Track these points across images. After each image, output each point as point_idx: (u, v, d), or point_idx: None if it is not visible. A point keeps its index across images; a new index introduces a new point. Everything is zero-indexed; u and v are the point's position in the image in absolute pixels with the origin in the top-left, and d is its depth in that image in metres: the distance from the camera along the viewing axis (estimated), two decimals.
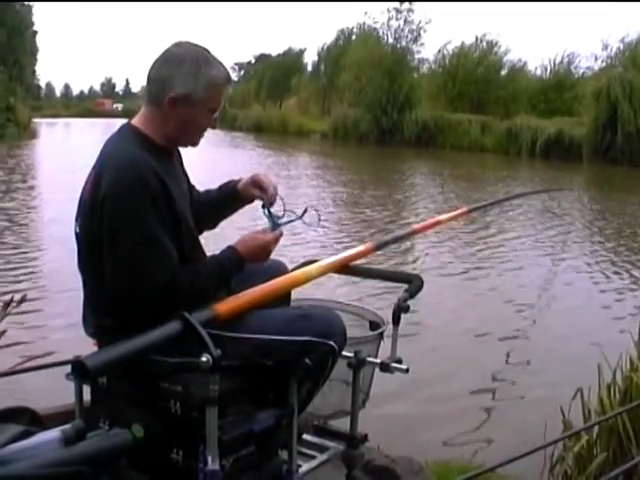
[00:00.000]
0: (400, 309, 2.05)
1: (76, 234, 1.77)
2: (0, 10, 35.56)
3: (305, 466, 1.99)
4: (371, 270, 2.54)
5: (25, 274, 6.64)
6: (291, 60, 54.69)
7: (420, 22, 34.01)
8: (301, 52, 55.91)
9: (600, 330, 5.52)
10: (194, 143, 1.84)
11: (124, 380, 1.72)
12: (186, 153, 1.92)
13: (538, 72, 35.05)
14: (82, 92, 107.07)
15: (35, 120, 38.33)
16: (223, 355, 1.53)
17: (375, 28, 35.20)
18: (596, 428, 2.80)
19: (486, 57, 34.12)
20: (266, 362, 1.79)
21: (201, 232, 1.99)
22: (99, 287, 1.70)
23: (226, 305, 1.71)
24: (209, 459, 1.60)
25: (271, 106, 48.84)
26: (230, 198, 2.03)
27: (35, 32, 41.07)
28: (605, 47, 29.04)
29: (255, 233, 1.86)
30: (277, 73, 52.91)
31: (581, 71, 32.97)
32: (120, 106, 70.65)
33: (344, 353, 1.95)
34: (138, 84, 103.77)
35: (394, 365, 2.03)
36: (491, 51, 34.54)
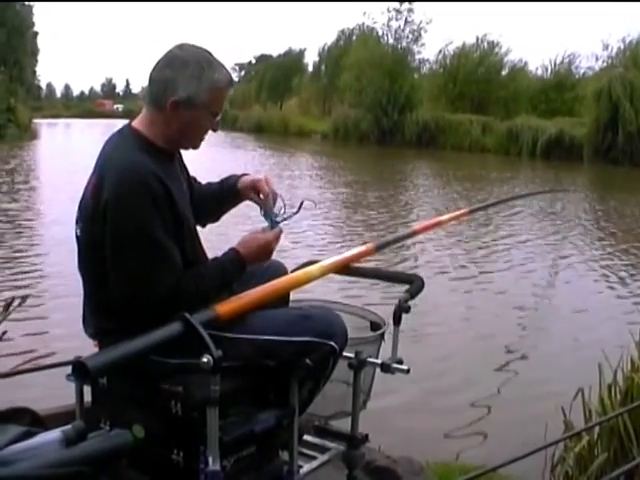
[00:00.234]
0: (401, 309, 2.05)
1: (77, 236, 1.77)
2: (0, 10, 35.57)
3: (306, 467, 1.99)
4: (372, 270, 2.54)
5: (26, 275, 6.64)
6: (292, 61, 54.72)
7: (421, 22, 34.12)
8: (302, 53, 56.06)
9: (601, 330, 5.52)
10: (195, 146, 1.84)
11: (125, 381, 1.72)
12: (188, 153, 1.92)
13: (539, 72, 35.17)
14: (82, 93, 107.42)
15: (36, 121, 38.38)
16: (224, 356, 1.53)
17: (375, 28, 35.28)
18: (597, 428, 2.80)
19: (487, 57, 34.14)
20: (267, 363, 1.79)
21: (204, 225, 2.00)
22: (99, 289, 1.71)
23: (227, 306, 1.71)
24: (210, 460, 1.60)
25: (272, 107, 48.85)
26: (230, 194, 2.03)
27: (36, 33, 41.11)
28: (606, 47, 29.13)
29: (255, 233, 1.86)
30: (278, 74, 52.98)
31: (582, 71, 33.06)
32: (121, 107, 70.64)
33: (345, 354, 1.95)
34: (138, 85, 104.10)
35: (395, 366, 2.03)
36: (492, 51, 34.56)
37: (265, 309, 1.83)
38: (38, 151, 24.57)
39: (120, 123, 1.90)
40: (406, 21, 34.13)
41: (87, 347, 1.78)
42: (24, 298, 2.49)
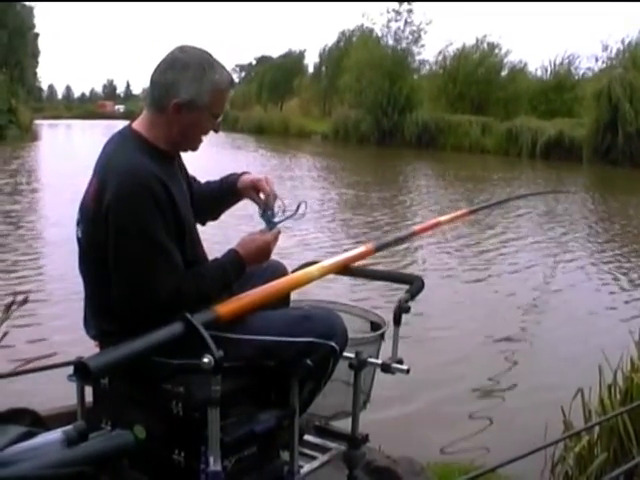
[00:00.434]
0: (401, 310, 2.06)
1: (78, 238, 1.78)
2: (1, 11, 35.62)
3: (306, 467, 1.99)
4: (372, 271, 2.54)
5: (27, 276, 6.65)
6: (292, 62, 54.70)
7: (420, 23, 34.01)
8: (302, 54, 56.03)
9: (601, 330, 5.52)
10: (194, 148, 1.84)
11: (126, 381, 1.73)
12: (188, 153, 1.92)
13: (538, 73, 35.05)
14: (83, 94, 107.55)
15: (37, 122, 38.39)
16: (225, 356, 1.53)
17: (374, 30, 35.26)
18: (597, 428, 2.80)
19: (487, 58, 34.06)
20: (267, 363, 1.80)
21: (203, 223, 2.01)
22: (100, 290, 1.71)
23: (228, 306, 1.72)
24: (211, 460, 1.60)
25: (272, 108, 48.86)
26: (230, 192, 2.03)
27: (37, 34, 41.17)
28: (605, 48, 29.02)
29: (253, 234, 1.87)
30: (278, 75, 52.95)
31: (581, 72, 32.96)
32: (122, 108, 70.67)
33: (345, 354, 1.95)
34: (139, 86, 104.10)
35: (395, 366, 2.03)
36: (492, 52, 34.47)
37: (266, 309, 1.84)
38: (39, 152, 24.56)
39: (121, 124, 1.91)
40: (406, 22, 34.09)
41: (89, 349, 1.78)
42: (25, 299, 2.50)
